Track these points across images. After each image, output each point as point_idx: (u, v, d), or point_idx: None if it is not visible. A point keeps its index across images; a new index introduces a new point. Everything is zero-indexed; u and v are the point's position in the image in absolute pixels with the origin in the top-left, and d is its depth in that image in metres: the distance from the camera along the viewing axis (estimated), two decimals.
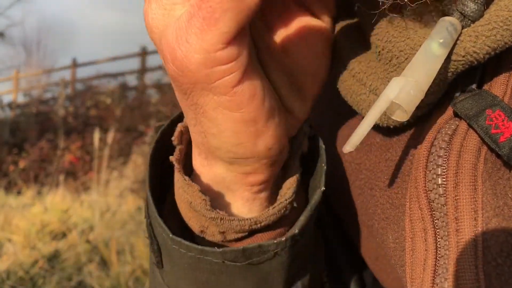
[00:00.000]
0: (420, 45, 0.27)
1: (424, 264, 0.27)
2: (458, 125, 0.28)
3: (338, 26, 0.34)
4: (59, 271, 2.09)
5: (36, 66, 12.82)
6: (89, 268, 2.05)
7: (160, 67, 7.01)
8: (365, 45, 0.32)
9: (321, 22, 0.29)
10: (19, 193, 4.59)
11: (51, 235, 2.56)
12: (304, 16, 0.29)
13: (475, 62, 0.27)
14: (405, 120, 0.26)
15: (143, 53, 7.90)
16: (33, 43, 14.25)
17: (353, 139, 0.26)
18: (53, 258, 2.25)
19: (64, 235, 2.57)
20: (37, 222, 2.65)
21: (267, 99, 0.26)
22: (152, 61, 8.20)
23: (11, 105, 7.54)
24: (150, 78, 7.21)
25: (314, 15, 0.29)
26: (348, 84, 0.32)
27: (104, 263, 2.12)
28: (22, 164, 5.24)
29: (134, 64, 8.27)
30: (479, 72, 0.29)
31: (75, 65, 9.17)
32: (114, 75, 7.79)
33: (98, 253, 2.21)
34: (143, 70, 7.69)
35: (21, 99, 9.22)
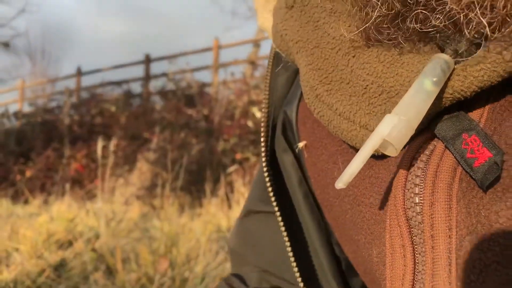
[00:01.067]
0: (410, 81, 0.28)
1: (402, 279, 0.28)
2: (436, 145, 0.29)
3: (309, 68, 0.35)
4: (65, 280, 2.11)
5: (41, 75, 12.91)
6: (95, 276, 2.06)
7: (163, 74, 7.05)
8: (339, 81, 0.32)
9: None
10: (25, 202, 4.62)
11: (57, 244, 2.58)
12: None
13: (462, 98, 0.28)
14: (394, 155, 0.27)
15: (147, 61, 7.94)
16: (37, 52, 14.36)
17: (346, 176, 0.26)
18: (60, 267, 2.27)
19: (70, 244, 2.59)
20: (43, 231, 2.67)
21: None
22: (156, 68, 8.22)
23: (17, 115, 7.60)
24: (154, 85, 7.25)
25: None
26: (337, 123, 0.33)
27: (110, 272, 2.14)
28: (28, 173, 5.28)
29: (138, 71, 8.31)
30: None
31: (79, 73, 9.23)
32: (118, 83, 7.84)
33: (104, 261, 2.22)
34: (147, 78, 7.73)
35: (26, 108, 9.29)
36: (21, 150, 5.89)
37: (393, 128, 0.26)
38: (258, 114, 4.43)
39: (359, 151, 0.27)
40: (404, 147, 0.32)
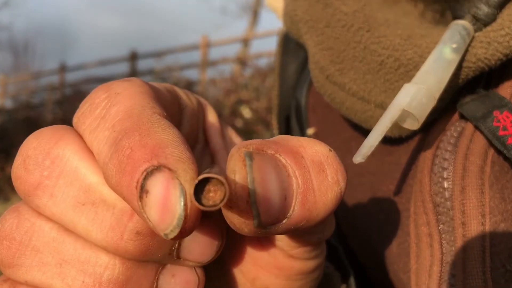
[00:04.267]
0: (429, 52, 0.27)
1: (429, 270, 0.26)
2: (464, 127, 0.27)
3: (318, 48, 0.33)
4: None
5: (24, 71, 12.69)
6: None
7: (150, 72, 6.98)
8: (351, 59, 0.31)
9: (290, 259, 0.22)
10: (6, 199, 4.52)
11: None
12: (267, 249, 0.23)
13: (486, 68, 0.26)
14: (416, 128, 0.25)
15: (133, 57, 7.86)
16: (20, 47, 14.11)
17: (364, 149, 0.24)
18: None
19: None
20: None
21: None
22: (143, 65, 8.15)
23: None
24: None
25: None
26: (350, 105, 0.31)
27: None
28: (9, 170, 5.16)
29: (124, 68, 8.20)
30: (486, 74, 0.28)
31: (63, 69, 9.08)
32: (103, 80, 7.74)
33: None
34: (133, 75, 7.66)
35: (8, 104, 9.10)
36: (3, 147, 5.76)
37: (413, 98, 0.24)
38: (247, 114, 4.41)
39: (377, 123, 0.24)
40: (427, 129, 0.30)
